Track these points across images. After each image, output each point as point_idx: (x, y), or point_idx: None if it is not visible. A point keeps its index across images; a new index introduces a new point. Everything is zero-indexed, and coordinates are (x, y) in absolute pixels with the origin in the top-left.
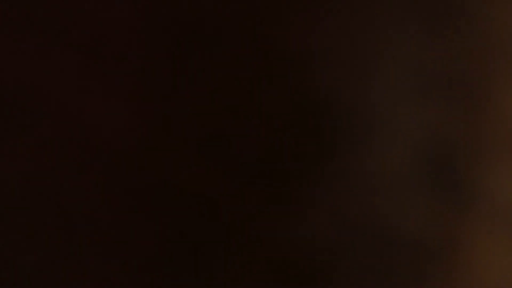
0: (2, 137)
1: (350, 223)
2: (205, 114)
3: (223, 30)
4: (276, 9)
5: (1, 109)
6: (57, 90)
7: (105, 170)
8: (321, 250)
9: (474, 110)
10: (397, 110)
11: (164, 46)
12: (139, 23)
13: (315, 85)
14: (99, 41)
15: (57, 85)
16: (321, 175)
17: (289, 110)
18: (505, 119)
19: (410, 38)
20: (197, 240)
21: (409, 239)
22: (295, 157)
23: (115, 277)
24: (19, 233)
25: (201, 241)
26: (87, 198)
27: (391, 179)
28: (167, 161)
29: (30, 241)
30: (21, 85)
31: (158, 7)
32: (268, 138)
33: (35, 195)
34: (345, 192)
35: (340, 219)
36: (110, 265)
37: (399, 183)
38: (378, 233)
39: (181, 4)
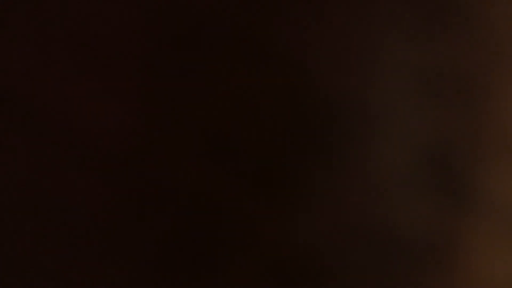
0: (1, 137)
1: (351, 224)
2: (206, 115)
3: (223, 31)
4: (276, 9)
5: (0, 109)
6: (57, 90)
7: (105, 170)
8: (321, 250)
9: (474, 110)
10: (397, 111)
11: (165, 47)
12: (139, 23)
13: (316, 86)
14: (98, 41)
15: (56, 85)
16: (322, 176)
17: (290, 112)
18: (505, 119)
19: (409, 38)
20: (197, 241)
21: (408, 240)
22: (296, 158)
23: (115, 278)
24: (18, 234)
25: (202, 242)
26: (87, 199)
27: (391, 180)
28: (168, 162)
29: (29, 241)
30: (20, 86)
31: (157, 7)
32: (269, 139)
33: (34, 195)
34: (345, 193)
35: (341, 220)
36: (109, 265)
37: (399, 184)
38: (378, 234)
39: (181, 4)
